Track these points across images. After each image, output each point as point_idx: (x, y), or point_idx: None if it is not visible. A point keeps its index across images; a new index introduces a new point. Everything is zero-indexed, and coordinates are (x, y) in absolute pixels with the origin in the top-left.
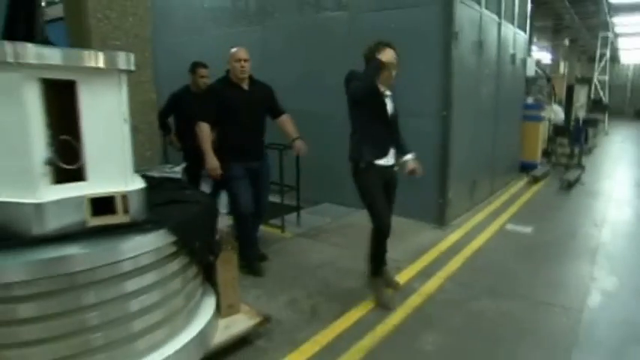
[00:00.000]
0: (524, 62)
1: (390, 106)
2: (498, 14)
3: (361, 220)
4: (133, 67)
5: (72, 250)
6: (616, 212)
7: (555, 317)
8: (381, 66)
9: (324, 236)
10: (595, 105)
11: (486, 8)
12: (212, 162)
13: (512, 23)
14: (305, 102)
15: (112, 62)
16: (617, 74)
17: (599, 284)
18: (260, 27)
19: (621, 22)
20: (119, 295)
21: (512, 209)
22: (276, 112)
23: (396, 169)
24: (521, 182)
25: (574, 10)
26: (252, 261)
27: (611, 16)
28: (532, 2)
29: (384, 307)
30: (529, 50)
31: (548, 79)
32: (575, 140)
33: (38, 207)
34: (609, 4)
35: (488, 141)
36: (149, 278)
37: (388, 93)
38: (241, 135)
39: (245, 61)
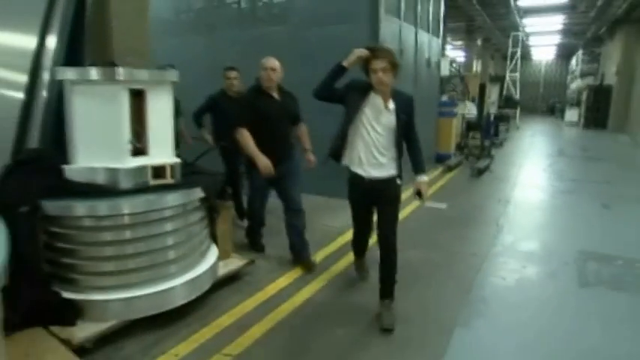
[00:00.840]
0: (438, 64)
1: (387, 118)
2: (415, 24)
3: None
4: (177, 79)
5: (144, 197)
6: (518, 193)
7: (465, 259)
8: (340, 70)
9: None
10: (507, 101)
11: (405, 20)
12: (263, 161)
13: (427, 31)
14: None
15: (167, 76)
16: (529, 72)
17: (499, 240)
18: (207, 39)
19: (531, 23)
20: (162, 232)
21: (429, 191)
22: (297, 120)
23: (399, 182)
24: (437, 171)
25: (485, 13)
26: (255, 242)
27: (521, 17)
28: (445, 6)
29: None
30: (443, 51)
31: (462, 78)
32: (486, 134)
33: (124, 170)
34: (518, 7)
35: None
36: (181, 222)
37: (391, 107)
38: (271, 142)
39: (272, 70)
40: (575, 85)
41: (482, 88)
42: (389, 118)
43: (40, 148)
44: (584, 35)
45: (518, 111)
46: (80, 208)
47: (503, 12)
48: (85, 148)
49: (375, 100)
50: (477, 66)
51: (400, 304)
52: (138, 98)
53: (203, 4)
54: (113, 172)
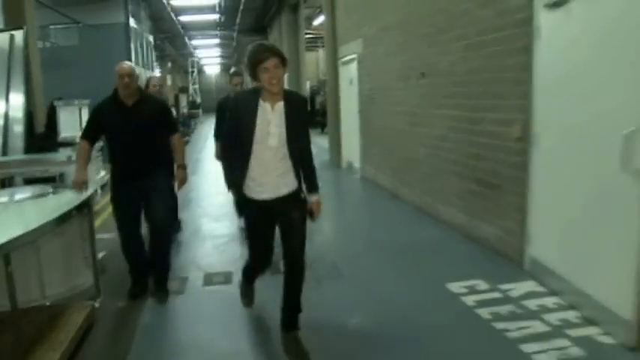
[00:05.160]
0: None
1: (278, 125)
2: (142, 65)
3: None
4: None
5: None
6: (202, 155)
7: None
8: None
9: None
10: (192, 105)
11: (136, 64)
12: (77, 176)
13: (150, 68)
14: None
15: None
16: (206, 82)
17: None
18: None
19: (201, 53)
20: None
21: None
22: (168, 131)
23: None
24: None
25: (173, 48)
26: (133, 283)
27: (194, 49)
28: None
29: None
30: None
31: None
32: (184, 126)
33: None
34: (192, 45)
35: None
36: None
37: (279, 108)
38: (123, 155)
39: (129, 76)
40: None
41: (176, 97)
42: (279, 124)
43: None
44: (232, 58)
45: (200, 111)
46: None
47: (183, 45)
48: None
49: (264, 107)
50: (170, 80)
51: None
52: None
53: None
54: None
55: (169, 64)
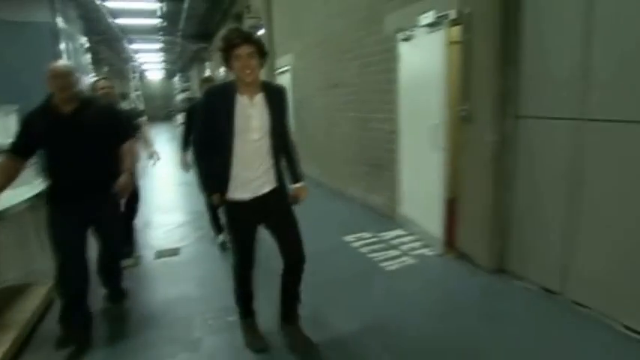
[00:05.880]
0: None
1: (258, 118)
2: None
3: None
4: None
5: None
6: None
7: None
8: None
9: None
10: (134, 112)
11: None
12: None
13: (84, 72)
14: None
15: None
16: (149, 87)
17: None
18: None
19: (143, 57)
20: None
21: None
22: (118, 139)
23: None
24: None
25: (110, 51)
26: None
27: (135, 53)
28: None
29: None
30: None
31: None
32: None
33: None
34: (132, 49)
35: None
36: None
37: (258, 100)
38: (63, 172)
39: (65, 77)
40: (180, 97)
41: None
42: (261, 117)
43: None
44: (177, 64)
45: (145, 118)
46: None
47: (121, 49)
48: None
49: (242, 101)
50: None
51: None
52: None
53: None
54: None
55: (106, 68)
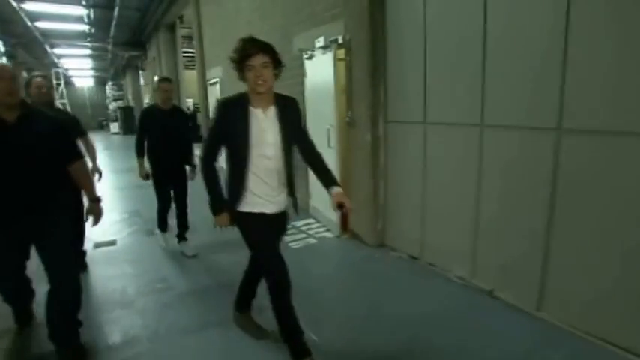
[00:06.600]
0: None
1: (272, 132)
2: None
3: None
4: None
5: None
6: None
7: None
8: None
9: None
10: None
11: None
12: None
13: None
14: None
15: None
16: (77, 96)
17: None
18: None
19: (69, 63)
20: None
21: None
22: (66, 157)
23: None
24: None
25: (29, 55)
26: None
27: (59, 58)
28: None
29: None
30: None
31: None
32: None
33: None
34: (56, 54)
35: None
36: None
37: (271, 114)
38: (1, 189)
39: (9, 80)
40: (112, 106)
41: None
42: (274, 131)
43: None
44: (109, 72)
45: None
46: None
47: (42, 53)
48: None
49: (256, 114)
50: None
51: None
52: None
53: None
54: None
55: (24, 74)
